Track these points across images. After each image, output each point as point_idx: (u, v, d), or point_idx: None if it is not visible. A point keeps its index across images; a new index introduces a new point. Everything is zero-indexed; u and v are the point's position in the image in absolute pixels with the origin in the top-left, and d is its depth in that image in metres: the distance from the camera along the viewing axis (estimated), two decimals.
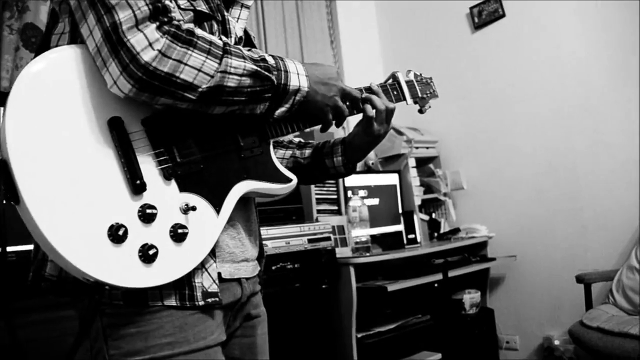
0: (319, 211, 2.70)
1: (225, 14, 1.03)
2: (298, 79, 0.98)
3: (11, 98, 0.79)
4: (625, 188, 2.86)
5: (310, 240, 2.37)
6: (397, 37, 3.93)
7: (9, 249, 1.49)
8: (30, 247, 0.94)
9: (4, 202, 0.79)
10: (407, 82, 1.30)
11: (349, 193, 2.79)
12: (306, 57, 3.47)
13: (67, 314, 1.48)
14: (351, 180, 2.92)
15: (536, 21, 3.19)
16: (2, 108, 1.78)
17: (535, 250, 3.19)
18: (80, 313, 0.94)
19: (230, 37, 1.02)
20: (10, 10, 2.29)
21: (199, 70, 0.84)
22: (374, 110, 1.12)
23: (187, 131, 0.93)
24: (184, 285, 0.89)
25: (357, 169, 1.28)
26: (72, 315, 0.97)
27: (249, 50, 0.96)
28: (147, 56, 0.80)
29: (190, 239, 0.88)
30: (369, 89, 1.16)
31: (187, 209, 0.88)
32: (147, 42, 0.80)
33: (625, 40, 2.87)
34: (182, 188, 0.90)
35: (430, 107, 1.36)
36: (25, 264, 0.96)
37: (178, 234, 0.86)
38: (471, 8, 3.46)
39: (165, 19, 0.83)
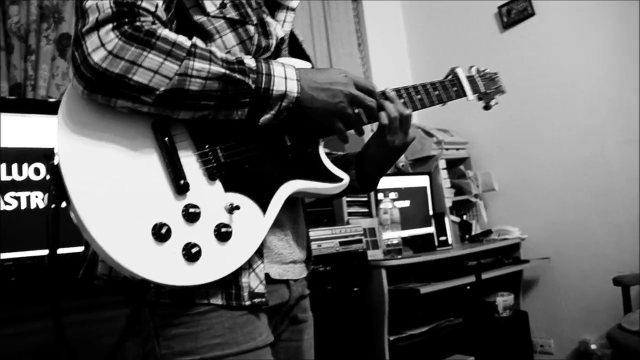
0: (349, 214, 2.70)
1: (265, 17, 1.01)
2: (285, 83, 0.91)
3: (62, 106, 0.83)
4: None
5: (341, 243, 2.37)
6: (424, 37, 3.91)
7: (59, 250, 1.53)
8: (78, 249, 0.97)
9: (56, 204, 0.82)
10: (468, 77, 1.25)
11: (380, 195, 2.78)
12: (334, 60, 3.48)
13: (109, 315, 1.52)
14: (381, 183, 2.89)
15: (566, 19, 3.15)
16: (40, 115, 1.84)
17: (570, 252, 3.13)
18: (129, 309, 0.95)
19: (271, 39, 1.00)
20: (47, 21, 2.35)
21: (156, 72, 0.81)
22: (387, 117, 1.03)
23: (231, 131, 0.92)
24: (230, 284, 0.89)
25: (383, 178, 1.19)
26: (114, 316, 0.99)
27: (227, 52, 0.92)
28: (97, 57, 0.78)
29: (235, 238, 0.88)
30: (383, 95, 1.06)
31: (232, 209, 0.88)
32: (99, 43, 0.79)
33: None
34: (227, 188, 0.90)
35: (497, 103, 1.30)
36: (71, 266, 0.99)
37: (222, 233, 0.87)
38: (500, 7, 3.43)
39: (126, 20, 0.81)
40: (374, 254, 2.58)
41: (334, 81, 0.95)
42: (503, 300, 2.97)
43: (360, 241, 2.45)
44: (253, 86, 0.88)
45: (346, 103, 0.96)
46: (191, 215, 0.85)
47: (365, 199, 2.84)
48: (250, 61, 0.89)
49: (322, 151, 1.04)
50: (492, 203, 3.51)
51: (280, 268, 1.00)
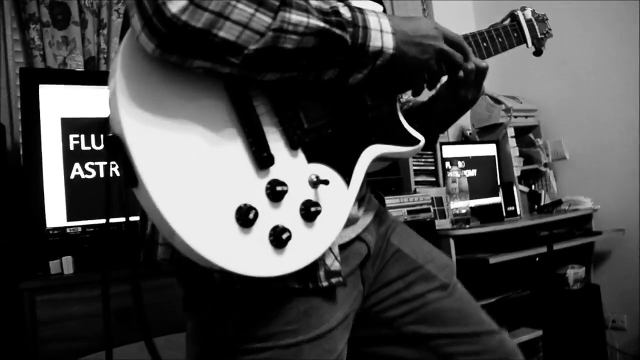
0: (417, 182, 2.68)
1: None
2: (381, 37, 0.79)
3: (119, 69, 0.68)
4: None
5: (409, 212, 2.34)
6: None
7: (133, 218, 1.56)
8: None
9: (120, 184, 0.70)
10: (527, 21, 1.17)
11: (447, 164, 2.74)
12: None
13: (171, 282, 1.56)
14: (449, 151, 2.88)
15: None
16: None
17: None
18: (187, 290, 0.89)
19: None
20: None
21: (245, 27, 0.66)
22: (462, 70, 0.93)
23: (311, 91, 0.81)
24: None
25: (451, 139, 1.16)
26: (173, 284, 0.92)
27: None
28: (175, 7, 0.62)
29: (322, 217, 0.78)
30: None
31: (317, 182, 0.77)
32: None
33: None
34: (310, 158, 0.79)
35: (545, 48, 1.23)
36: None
37: (310, 213, 0.76)
38: None
39: None
40: (441, 224, 2.55)
41: (425, 34, 0.85)
42: (574, 272, 2.89)
43: (428, 210, 2.43)
44: (350, 41, 0.76)
45: (434, 59, 0.87)
46: (277, 194, 0.73)
47: (432, 167, 2.80)
48: (344, 10, 0.77)
49: (399, 110, 0.97)
50: (563, 172, 3.38)
51: (349, 229, 0.93)
